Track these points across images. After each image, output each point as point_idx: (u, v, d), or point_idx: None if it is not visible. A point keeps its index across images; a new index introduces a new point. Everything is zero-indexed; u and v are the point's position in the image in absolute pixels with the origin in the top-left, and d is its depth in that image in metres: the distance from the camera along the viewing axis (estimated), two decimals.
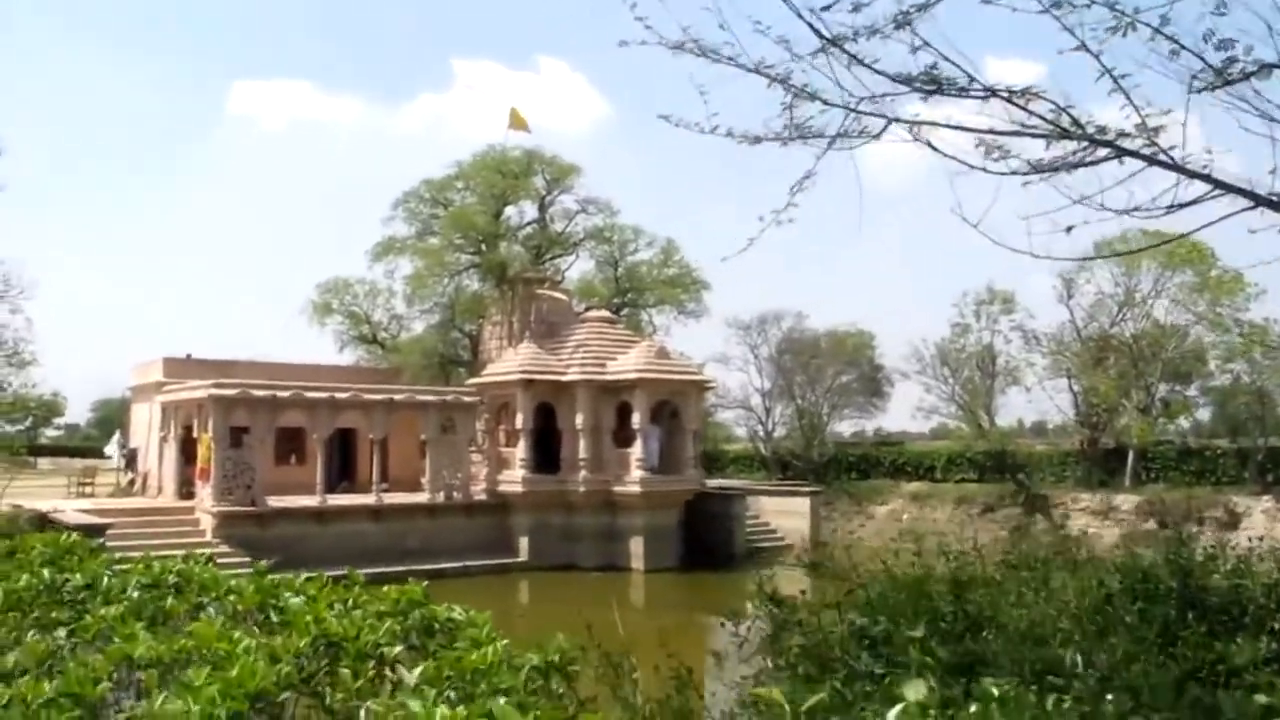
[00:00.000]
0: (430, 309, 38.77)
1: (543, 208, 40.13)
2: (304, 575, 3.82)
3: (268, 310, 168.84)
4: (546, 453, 31.84)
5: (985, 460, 39.92)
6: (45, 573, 3.63)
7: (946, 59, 5.15)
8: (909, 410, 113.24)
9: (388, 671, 3.24)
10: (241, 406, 27.86)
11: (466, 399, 31.75)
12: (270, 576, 3.52)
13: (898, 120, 5.40)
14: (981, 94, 5.18)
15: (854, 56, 5.08)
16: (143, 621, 3.17)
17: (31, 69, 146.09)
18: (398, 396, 30.39)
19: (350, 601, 3.45)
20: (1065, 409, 39.54)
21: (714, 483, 36.37)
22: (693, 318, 42.08)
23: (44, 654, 3.06)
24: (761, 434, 46.77)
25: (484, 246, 36.77)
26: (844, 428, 48.72)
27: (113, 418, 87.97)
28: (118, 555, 5.00)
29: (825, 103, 5.21)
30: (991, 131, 5.28)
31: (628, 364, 31.51)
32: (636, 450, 30.92)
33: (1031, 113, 5.15)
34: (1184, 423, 40.90)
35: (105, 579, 3.42)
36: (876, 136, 5.40)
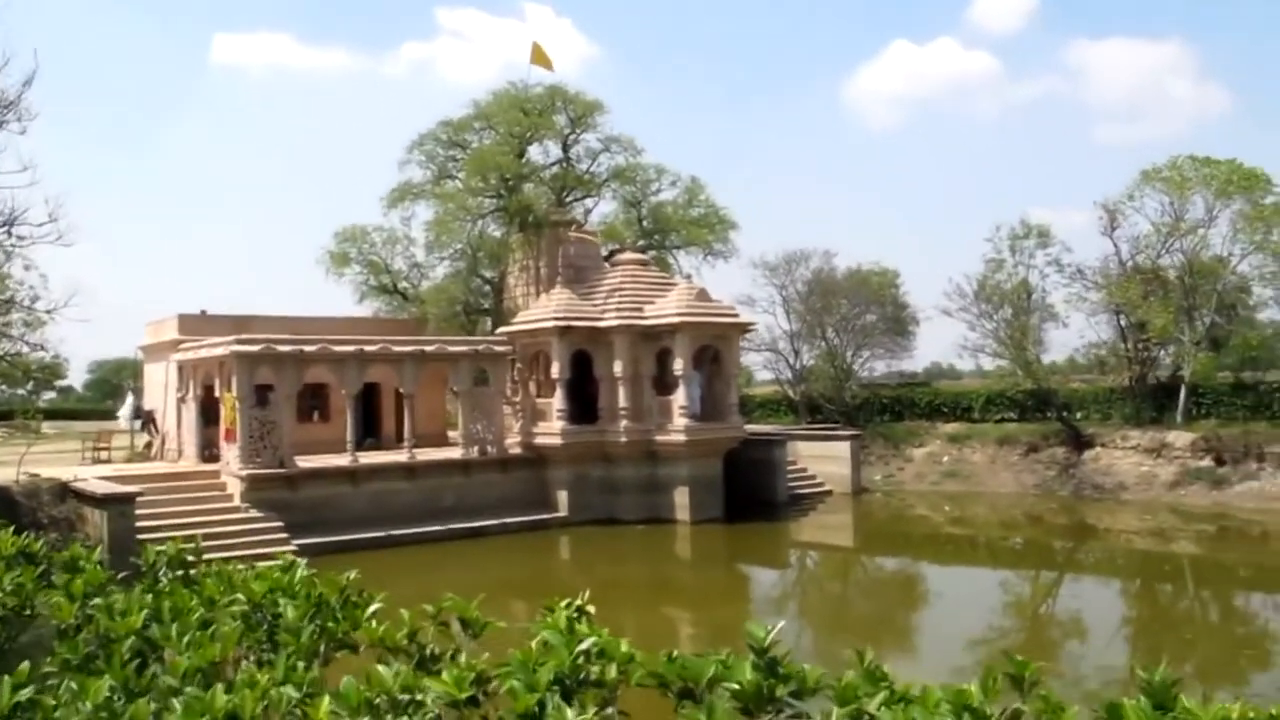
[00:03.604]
0: (452, 255, 37.06)
1: (566, 147, 38.34)
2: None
3: (267, 263, 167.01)
4: (582, 403, 30.46)
5: (1026, 399, 38.76)
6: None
7: None
8: (942, 349, 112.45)
9: None
10: (266, 363, 26.31)
11: (498, 348, 30.22)
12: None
13: None
14: None
15: None
16: None
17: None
18: (428, 348, 28.85)
19: None
20: (1110, 344, 38.32)
21: (748, 428, 35.03)
22: (721, 259, 40.45)
23: None
24: (790, 377, 45.43)
25: (507, 189, 34.98)
26: (879, 367, 47.21)
27: (109, 378, 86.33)
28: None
29: None
30: None
31: (667, 308, 30.00)
32: (679, 398, 29.53)
33: None
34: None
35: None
36: None
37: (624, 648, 2.26)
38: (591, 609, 2.53)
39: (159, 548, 3.82)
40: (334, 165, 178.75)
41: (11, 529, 4.45)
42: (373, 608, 2.72)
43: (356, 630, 2.69)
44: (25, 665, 2.40)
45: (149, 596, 3.15)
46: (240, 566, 3.47)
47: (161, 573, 3.57)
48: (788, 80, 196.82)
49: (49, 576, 3.54)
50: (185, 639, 2.69)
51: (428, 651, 2.43)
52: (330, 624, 2.77)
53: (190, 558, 3.99)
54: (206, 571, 3.46)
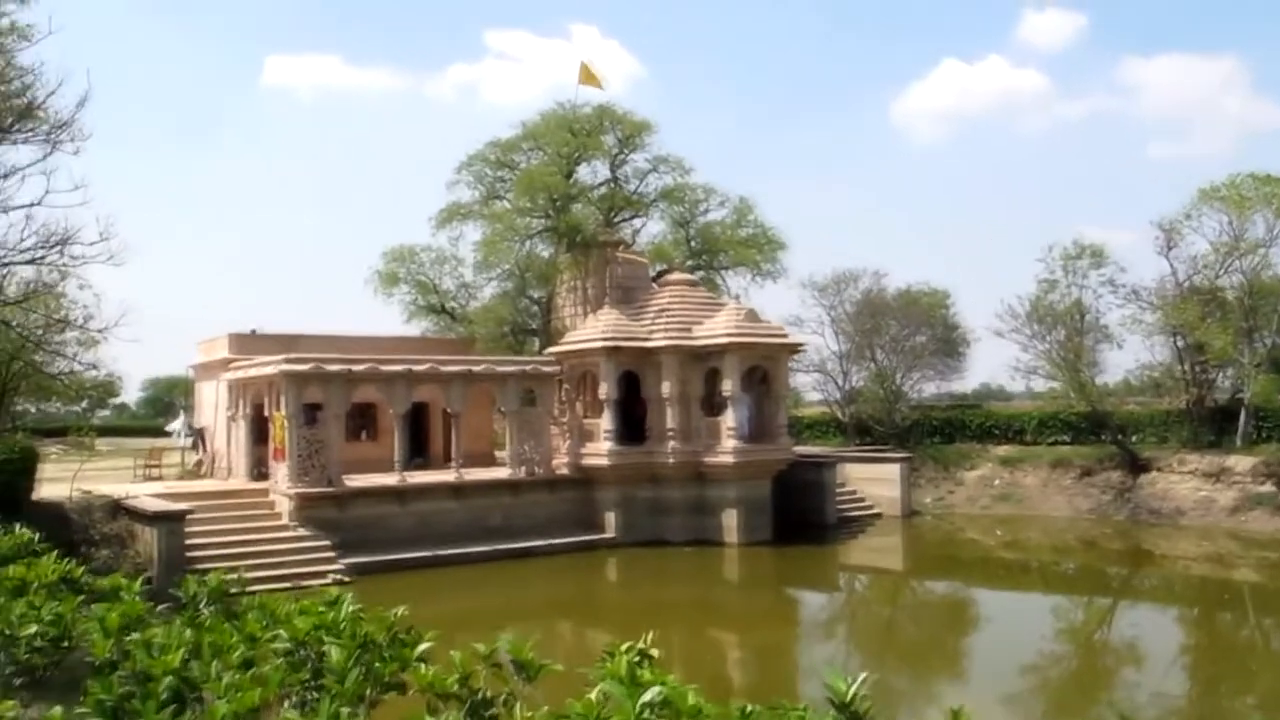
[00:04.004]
0: (500, 275, 37.13)
1: (614, 167, 38.33)
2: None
3: (317, 282, 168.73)
4: (630, 424, 30.30)
5: (1080, 422, 38.05)
6: None
7: None
8: (992, 370, 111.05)
9: None
10: (315, 382, 26.40)
11: (546, 368, 30.15)
12: None
13: None
14: None
15: None
16: None
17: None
18: (477, 368, 28.83)
19: None
20: (1167, 365, 37.53)
21: (797, 450, 34.67)
22: (770, 279, 40.17)
23: None
24: (839, 398, 44.99)
25: (555, 209, 34.98)
26: (929, 389, 46.61)
27: (161, 396, 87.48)
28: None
29: None
30: None
31: (716, 328, 29.81)
32: (728, 419, 29.29)
33: None
34: None
35: None
36: None
37: (691, 699, 2.07)
38: (655, 652, 2.33)
39: (200, 578, 3.66)
40: (382, 185, 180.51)
41: (61, 548, 4.34)
42: (422, 647, 2.57)
43: (405, 671, 2.54)
44: (58, 710, 2.28)
45: (188, 632, 3.00)
46: (286, 586, 3.30)
47: (202, 604, 3.43)
48: (837, 99, 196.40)
49: (91, 604, 3.44)
50: (225, 681, 2.55)
51: (480, 696, 2.27)
52: (378, 664, 2.62)
53: (231, 584, 3.85)
54: (249, 605, 3.32)
